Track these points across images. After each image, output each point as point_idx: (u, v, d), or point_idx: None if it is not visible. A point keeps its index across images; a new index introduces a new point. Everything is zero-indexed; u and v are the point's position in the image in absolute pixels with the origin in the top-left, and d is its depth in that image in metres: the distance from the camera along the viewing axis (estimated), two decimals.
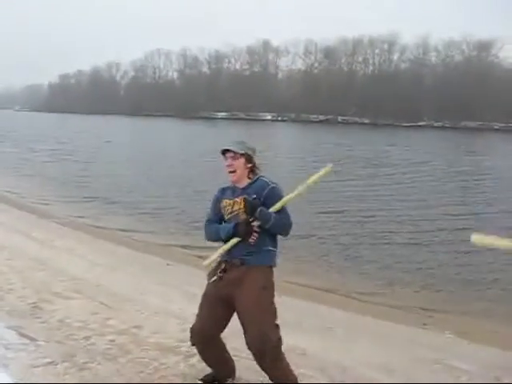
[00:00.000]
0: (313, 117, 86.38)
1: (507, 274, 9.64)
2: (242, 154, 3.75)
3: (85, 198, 17.27)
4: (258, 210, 3.56)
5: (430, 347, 5.67)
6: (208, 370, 4.03)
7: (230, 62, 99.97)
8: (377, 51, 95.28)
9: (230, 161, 3.74)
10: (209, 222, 3.93)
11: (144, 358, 4.45)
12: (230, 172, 3.76)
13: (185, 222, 13.81)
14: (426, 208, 16.40)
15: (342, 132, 61.05)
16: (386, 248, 11.67)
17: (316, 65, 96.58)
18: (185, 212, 15.11)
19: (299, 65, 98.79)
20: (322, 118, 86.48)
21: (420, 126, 79.65)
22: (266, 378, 4.04)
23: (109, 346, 4.66)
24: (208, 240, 3.96)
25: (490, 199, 18.65)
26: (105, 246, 10.42)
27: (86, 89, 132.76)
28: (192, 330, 3.82)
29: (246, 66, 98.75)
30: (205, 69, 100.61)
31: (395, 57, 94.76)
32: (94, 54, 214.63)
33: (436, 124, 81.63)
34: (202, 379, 3.96)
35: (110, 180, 21.18)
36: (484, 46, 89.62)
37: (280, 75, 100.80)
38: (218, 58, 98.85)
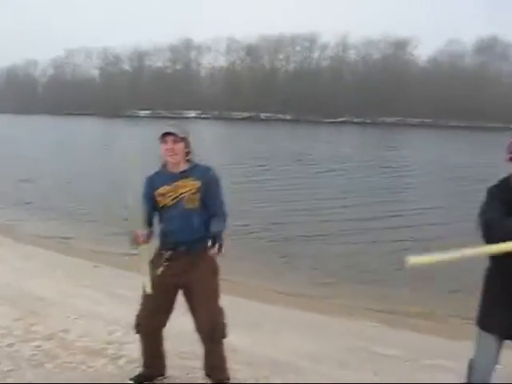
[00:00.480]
0: (236, 114, 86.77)
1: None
2: (182, 138, 3.68)
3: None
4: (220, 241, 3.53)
5: (356, 336, 5.89)
6: (136, 371, 4.04)
7: (151, 59, 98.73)
8: (298, 49, 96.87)
9: (170, 144, 3.64)
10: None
11: (71, 362, 4.39)
12: (171, 155, 3.68)
13: (110, 225, 13.58)
14: (355, 205, 16.87)
15: (266, 128, 61.71)
16: (315, 244, 11.93)
17: (238, 62, 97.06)
18: (108, 214, 14.88)
19: (222, 62, 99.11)
20: (245, 115, 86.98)
21: (341, 121, 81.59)
22: (192, 374, 4.12)
23: (34, 352, 4.57)
24: None
25: (412, 194, 19.45)
26: (26, 250, 10.09)
27: (1, 87, 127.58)
28: (138, 319, 3.82)
29: (168, 64, 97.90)
30: (126, 66, 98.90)
31: (316, 55, 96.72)
32: (12, 52, 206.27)
33: (356, 120, 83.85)
34: (132, 379, 3.94)
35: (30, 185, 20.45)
36: (400, 45, 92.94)
37: (203, 73, 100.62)
38: (139, 55, 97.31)
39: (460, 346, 5.17)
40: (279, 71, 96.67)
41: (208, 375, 3.89)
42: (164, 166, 3.79)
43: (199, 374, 4.03)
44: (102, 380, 4.08)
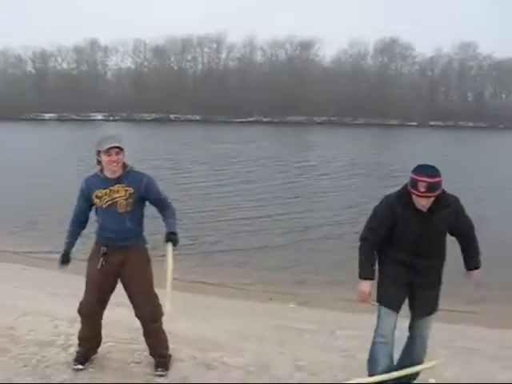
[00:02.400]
0: (145, 115, 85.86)
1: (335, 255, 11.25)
2: (122, 149, 4.21)
3: None
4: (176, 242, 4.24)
5: (277, 316, 6.70)
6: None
7: (56, 61, 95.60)
8: (206, 50, 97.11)
9: (115, 156, 4.14)
10: (75, 212, 4.39)
11: (25, 353, 4.74)
12: (115, 166, 4.17)
13: (30, 227, 13.75)
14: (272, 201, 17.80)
15: (176, 129, 61.70)
16: (241, 239, 12.78)
17: (146, 63, 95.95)
18: (23, 215, 15.02)
19: (129, 64, 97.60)
20: (154, 116, 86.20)
21: (250, 121, 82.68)
22: (137, 355, 4.68)
23: None
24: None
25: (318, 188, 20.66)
26: None
27: None
28: (81, 303, 4.38)
29: (74, 65, 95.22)
30: (29, 68, 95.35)
31: (223, 55, 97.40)
32: None
33: (265, 119, 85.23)
34: (76, 363, 4.44)
35: None
36: (305, 46, 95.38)
37: (109, 74, 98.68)
38: (43, 57, 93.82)
39: (363, 318, 6.08)
40: (187, 72, 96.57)
41: (152, 354, 4.50)
42: (101, 170, 4.31)
43: (144, 355, 4.62)
44: (59, 368, 4.53)
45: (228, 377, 4.39)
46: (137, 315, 4.36)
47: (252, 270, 10.34)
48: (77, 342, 4.61)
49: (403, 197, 3.85)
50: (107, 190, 4.21)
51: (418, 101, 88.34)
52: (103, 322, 4.51)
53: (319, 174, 25.62)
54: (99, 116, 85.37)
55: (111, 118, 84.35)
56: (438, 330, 4.12)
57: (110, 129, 63.82)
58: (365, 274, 3.98)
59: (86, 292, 4.37)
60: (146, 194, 4.25)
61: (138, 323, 4.45)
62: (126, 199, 4.20)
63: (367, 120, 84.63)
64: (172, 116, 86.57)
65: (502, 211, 16.31)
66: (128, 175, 4.25)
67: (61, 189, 17.00)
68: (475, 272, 4.05)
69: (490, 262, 4.04)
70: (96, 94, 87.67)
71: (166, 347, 4.52)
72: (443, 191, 3.80)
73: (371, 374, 4.00)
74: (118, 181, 4.22)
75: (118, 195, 4.19)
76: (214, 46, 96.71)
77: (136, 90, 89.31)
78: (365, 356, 4.22)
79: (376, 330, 4.04)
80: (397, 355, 4.11)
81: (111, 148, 4.16)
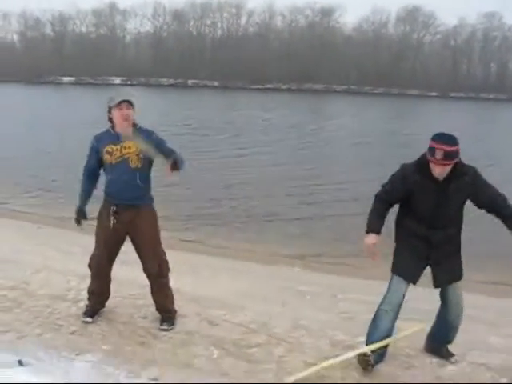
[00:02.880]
0: (163, 80, 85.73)
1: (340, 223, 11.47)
2: (132, 105, 4.31)
3: None
4: (179, 161, 4.11)
5: (282, 278, 6.89)
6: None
7: (75, 24, 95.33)
8: (225, 15, 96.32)
9: (126, 111, 4.25)
10: (86, 169, 4.48)
11: (37, 306, 4.98)
12: (126, 119, 4.27)
13: (46, 189, 14.08)
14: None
15: (194, 95, 61.63)
16: (244, 204, 12.98)
17: (165, 27, 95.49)
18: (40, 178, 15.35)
19: (147, 28, 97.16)
20: (172, 81, 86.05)
21: (269, 88, 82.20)
22: (144, 311, 4.88)
23: (2, 301, 5.09)
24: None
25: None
26: None
27: None
28: (91, 258, 4.59)
29: (92, 29, 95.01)
30: (48, 31, 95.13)
31: (243, 21, 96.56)
32: None
33: (283, 87, 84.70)
34: (85, 316, 4.66)
35: None
36: (326, 12, 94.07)
37: (128, 38, 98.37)
38: (62, 19, 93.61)
39: (365, 284, 6.24)
40: (206, 37, 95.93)
41: (158, 309, 4.69)
42: (112, 127, 4.40)
43: (150, 311, 4.82)
44: (69, 320, 4.75)
45: (230, 333, 4.57)
46: (145, 270, 4.53)
47: (260, 233, 10.59)
48: (86, 296, 4.81)
49: (421, 165, 3.88)
50: (118, 146, 4.29)
51: (440, 71, 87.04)
52: (112, 278, 4.70)
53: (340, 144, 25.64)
54: (117, 80, 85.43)
55: (129, 83, 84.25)
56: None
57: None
58: (370, 227, 4.03)
59: (96, 248, 4.54)
60: (157, 148, 4.24)
61: (145, 281, 4.63)
62: (137, 154, 4.27)
63: (387, 89, 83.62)
64: (190, 81, 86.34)
65: None
66: (139, 131, 4.32)
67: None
68: None
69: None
70: (114, 58, 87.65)
71: (172, 303, 4.70)
72: (460, 161, 3.84)
73: (370, 337, 4.13)
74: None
75: (129, 151, 4.28)
76: (234, 11, 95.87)
77: (154, 54, 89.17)
78: (364, 319, 4.37)
79: (384, 297, 4.15)
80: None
81: (122, 102, 4.26)
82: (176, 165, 4.08)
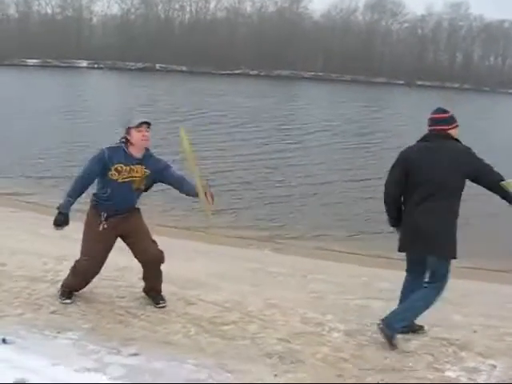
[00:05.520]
0: (130, 64, 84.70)
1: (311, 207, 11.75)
2: (150, 126, 4.48)
3: None
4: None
5: (253, 260, 7.13)
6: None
7: (40, 5, 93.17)
8: None
9: (146, 133, 4.42)
10: (87, 175, 4.48)
11: (16, 287, 5.05)
12: (146, 141, 4.45)
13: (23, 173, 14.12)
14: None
15: (162, 79, 61.14)
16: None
17: (132, 10, 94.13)
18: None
19: (115, 10, 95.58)
20: (139, 65, 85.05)
21: (237, 73, 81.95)
22: (119, 292, 5.04)
23: None
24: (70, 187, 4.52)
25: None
26: None
27: None
28: (80, 261, 4.65)
29: (58, 10, 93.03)
30: (12, 12, 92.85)
31: (212, 5, 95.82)
32: None
33: (252, 72, 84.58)
34: (63, 298, 4.76)
35: None
36: None
37: (95, 20, 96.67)
38: (26, 0, 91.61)
39: (334, 266, 6.53)
40: (174, 21, 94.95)
41: (149, 291, 4.88)
42: (126, 145, 4.50)
43: (128, 291, 5.00)
44: (48, 300, 4.88)
45: (206, 311, 4.79)
46: (143, 259, 4.68)
47: (232, 217, 10.88)
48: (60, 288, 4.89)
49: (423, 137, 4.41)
50: (128, 168, 4.43)
51: (406, 59, 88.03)
52: None
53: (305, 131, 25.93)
54: (84, 63, 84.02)
55: (96, 66, 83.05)
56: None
57: (95, 77, 63.18)
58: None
59: (86, 254, 4.60)
60: (163, 173, 4.57)
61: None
62: (141, 179, 4.50)
63: (354, 77, 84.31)
64: (158, 65, 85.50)
65: None
66: (149, 158, 4.54)
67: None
68: None
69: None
70: (81, 41, 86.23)
71: (160, 286, 4.93)
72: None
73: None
74: (140, 161, 4.49)
75: (136, 174, 4.47)
76: None
77: (122, 37, 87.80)
78: (332, 298, 4.64)
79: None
80: None
81: (143, 123, 4.41)
82: (212, 197, 4.52)
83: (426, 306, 4.33)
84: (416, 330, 4.58)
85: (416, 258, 4.44)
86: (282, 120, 28.79)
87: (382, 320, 4.31)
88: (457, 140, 4.36)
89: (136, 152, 4.47)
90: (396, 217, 4.47)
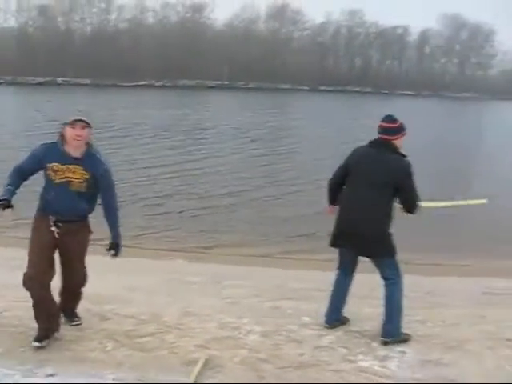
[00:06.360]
0: (30, 79, 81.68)
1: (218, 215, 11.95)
2: (88, 126, 4.14)
3: None
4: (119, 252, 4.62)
5: (168, 271, 7.14)
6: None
7: None
8: (94, 10, 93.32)
9: (80, 130, 4.07)
10: (20, 168, 4.20)
11: None
12: (78, 140, 4.10)
13: None
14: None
15: (65, 94, 59.44)
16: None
17: (30, 23, 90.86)
18: None
19: (12, 23, 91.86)
20: (40, 79, 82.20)
21: (142, 85, 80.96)
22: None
23: None
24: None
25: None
26: None
27: None
28: (28, 275, 4.17)
29: None
30: None
31: (113, 17, 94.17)
32: None
33: (157, 83, 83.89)
34: (36, 340, 4.30)
35: None
36: (197, 8, 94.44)
37: None
38: None
39: (248, 271, 6.66)
40: (75, 33, 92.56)
41: (65, 310, 4.71)
42: (62, 143, 4.18)
43: None
44: None
45: (122, 325, 4.76)
46: (66, 283, 4.52)
47: (143, 229, 10.81)
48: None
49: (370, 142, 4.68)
50: (64, 167, 4.15)
51: (309, 66, 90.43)
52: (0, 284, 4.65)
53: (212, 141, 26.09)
54: None
55: None
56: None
57: None
58: None
59: (32, 261, 4.22)
60: (99, 182, 4.25)
61: None
62: (80, 182, 4.19)
63: (259, 84, 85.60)
64: (60, 79, 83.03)
65: None
66: (89, 158, 4.22)
67: None
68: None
69: None
70: None
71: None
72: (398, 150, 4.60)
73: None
74: (77, 161, 4.17)
75: (73, 176, 4.16)
76: (103, 6, 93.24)
77: (21, 51, 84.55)
78: (246, 302, 4.74)
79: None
80: None
81: (77, 121, 4.11)
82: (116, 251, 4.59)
83: (402, 296, 4.63)
84: (345, 322, 4.90)
85: (350, 255, 4.72)
86: (193, 130, 28.82)
87: (383, 337, 4.57)
88: (401, 154, 4.59)
89: (73, 150, 4.17)
90: (332, 200, 4.86)
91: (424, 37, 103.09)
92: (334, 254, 4.88)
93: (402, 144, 4.64)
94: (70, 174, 4.18)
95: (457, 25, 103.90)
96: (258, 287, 4.36)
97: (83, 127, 4.11)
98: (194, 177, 16.39)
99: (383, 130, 4.59)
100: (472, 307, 5.86)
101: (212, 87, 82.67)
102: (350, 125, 33.50)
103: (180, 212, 12.35)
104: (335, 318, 4.86)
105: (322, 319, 4.86)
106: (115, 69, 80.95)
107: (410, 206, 4.53)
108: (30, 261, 4.23)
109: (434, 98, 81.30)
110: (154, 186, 14.96)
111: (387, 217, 4.55)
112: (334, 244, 4.73)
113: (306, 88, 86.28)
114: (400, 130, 4.62)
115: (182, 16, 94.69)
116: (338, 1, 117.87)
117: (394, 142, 4.57)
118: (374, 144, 4.63)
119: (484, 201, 4.87)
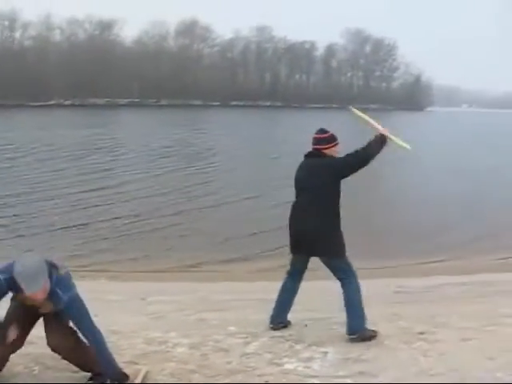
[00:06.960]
0: None
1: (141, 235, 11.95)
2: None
3: None
4: None
5: (89, 291, 6.98)
6: None
7: None
8: None
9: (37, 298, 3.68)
10: None
11: None
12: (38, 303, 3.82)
13: None
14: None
15: None
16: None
17: None
18: None
19: None
20: None
21: (50, 105, 78.55)
22: None
23: None
24: None
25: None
26: None
27: None
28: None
29: None
30: None
31: (18, 34, 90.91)
32: None
33: (66, 102, 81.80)
34: None
35: None
36: (105, 25, 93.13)
37: None
38: None
39: (171, 286, 6.71)
40: None
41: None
42: None
43: None
44: None
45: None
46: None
47: (64, 247, 10.68)
48: None
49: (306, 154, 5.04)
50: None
51: (219, 81, 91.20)
52: None
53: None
54: None
55: None
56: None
57: None
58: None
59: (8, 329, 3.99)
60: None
61: None
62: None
63: (171, 101, 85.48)
64: None
65: None
66: (52, 296, 3.84)
67: None
68: None
69: None
70: None
71: None
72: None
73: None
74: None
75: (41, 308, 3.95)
76: (6, 23, 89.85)
77: None
78: (173, 316, 4.78)
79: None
80: None
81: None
82: None
83: (359, 293, 4.85)
84: (287, 325, 5.14)
85: (300, 259, 5.01)
86: (106, 150, 28.44)
87: (349, 334, 4.78)
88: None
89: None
90: None
91: (330, 51, 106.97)
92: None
93: (337, 154, 4.97)
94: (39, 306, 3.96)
95: (360, 39, 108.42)
96: (183, 301, 4.41)
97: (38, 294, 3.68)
98: (111, 200, 16.21)
99: (316, 141, 4.96)
100: (387, 306, 6.21)
101: (123, 105, 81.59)
102: (261, 137, 34.09)
103: (98, 233, 12.24)
104: (280, 321, 5.10)
105: (249, 327, 5.01)
106: (22, 88, 77.88)
107: (368, 154, 4.84)
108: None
109: (343, 110, 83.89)
110: (77, 210, 14.76)
111: (327, 217, 4.84)
112: (291, 251, 5.06)
113: (217, 104, 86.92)
114: (332, 139, 4.98)
115: (91, 33, 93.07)
116: (246, 17, 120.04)
117: (325, 151, 4.92)
118: (308, 155, 5.02)
119: (409, 147, 5.09)
